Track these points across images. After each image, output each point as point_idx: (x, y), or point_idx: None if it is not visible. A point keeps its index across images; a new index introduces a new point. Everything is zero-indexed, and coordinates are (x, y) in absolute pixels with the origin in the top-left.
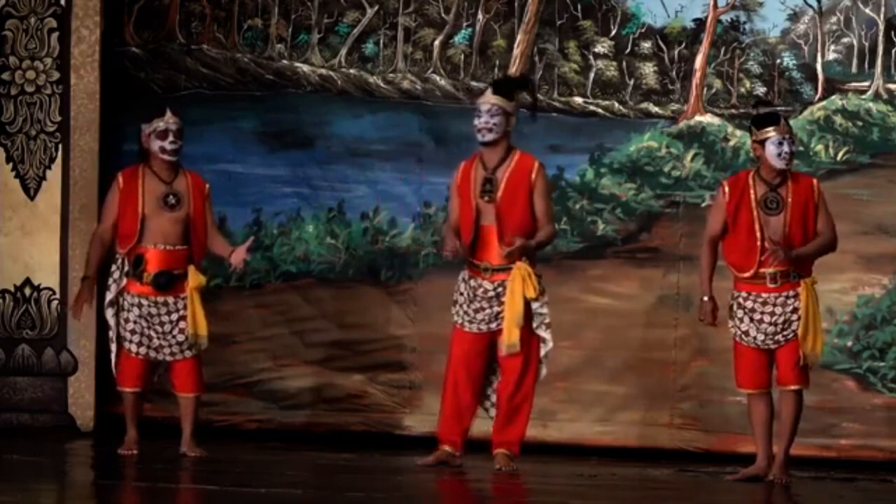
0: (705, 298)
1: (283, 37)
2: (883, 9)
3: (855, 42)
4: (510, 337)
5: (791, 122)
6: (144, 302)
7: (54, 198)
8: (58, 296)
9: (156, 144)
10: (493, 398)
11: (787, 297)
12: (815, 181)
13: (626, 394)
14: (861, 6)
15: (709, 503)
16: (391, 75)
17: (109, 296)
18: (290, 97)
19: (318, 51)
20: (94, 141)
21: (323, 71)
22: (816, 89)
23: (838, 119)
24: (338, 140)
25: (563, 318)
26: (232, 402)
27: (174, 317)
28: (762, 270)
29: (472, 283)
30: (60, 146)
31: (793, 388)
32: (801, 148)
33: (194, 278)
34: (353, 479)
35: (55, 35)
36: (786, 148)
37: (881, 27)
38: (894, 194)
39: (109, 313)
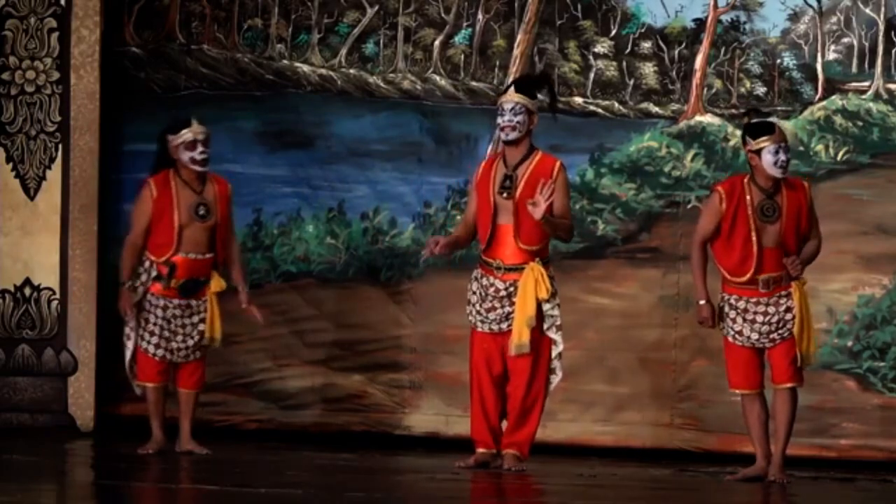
0: (702, 302)
1: (283, 37)
2: (883, 9)
3: (855, 42)
4: (520, 337)
5: (791, 122)
6: (169, 304)
7: (54, 198)
8: (58, 296)
9: (185, 155)
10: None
11: (780, 297)
12: (806, 184)
13: (626, 394)
14: (861, 6)
15: (709, 503)
16: (391, 75)
17: (135, 298)
18: (290, 97)
19: (318, 51)
20: (94, 141)
21: (323, 71)
22: (816, 89)
23: (838, 119)
24: (338, 140)
25: (564, 319)
26: (232, 402)
27: (195, 319)
28: (757, 277)
29: (484, 281)
30: (60, 146)
31: (787, 386)
32: (801, 148)
33: (216, 283)
34: (353, 479)
35: (55, 35)
36: (782, 157)
37: (881, 27)
38: (894, 194)
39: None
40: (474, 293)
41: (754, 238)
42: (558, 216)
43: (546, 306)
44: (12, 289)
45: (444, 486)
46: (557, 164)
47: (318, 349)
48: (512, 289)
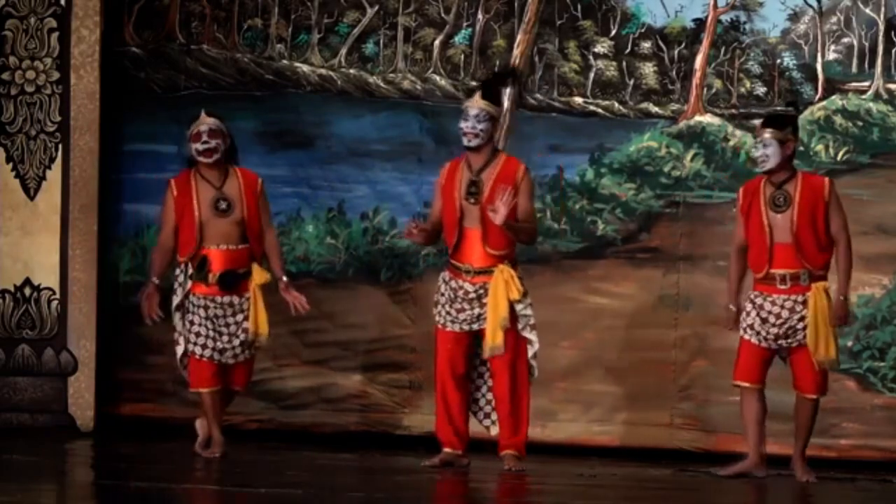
0: (731, 307)
1: (283, 37)
2: (883, 9)
3: (855, 42)
4: (494, 339)
5: None
6: (211, 304)
7: (54, 198)
8: (58, 296)
9: (192, 148)
10: (485, 407)
11: (796, 303)
12: (826, 181)
13: (626, 394)
14: (861, 6)
15: (709, 503)
16: (391, 75)
17: (176, 300)
18: (290, 97)
19: (318, 51)
20: (94, 141)
21: (323, 71)
22: (816, 89)
23: (838, 119)
24: (338, 140)
25: (563, 318)
26: (232, 402)
27: (239, 317)
28: (772, 271)
29: (453, 283)
30: (60, 146)
31: (808, 396)
32: (801, 148)
33: (259, 275)
34: (353, 479)
35: (55, 35)
36: (758, 152)
37: (881, 27)
38: (894, 194)
39: (177, 317)
40: (442, 294)
41: (766, 229)
42: (522, 220)
43: (518, 307)
44: (12, 289)
45: (444, 486)
46: (521, 167)
47: (318, 349)
48: (482, 291)
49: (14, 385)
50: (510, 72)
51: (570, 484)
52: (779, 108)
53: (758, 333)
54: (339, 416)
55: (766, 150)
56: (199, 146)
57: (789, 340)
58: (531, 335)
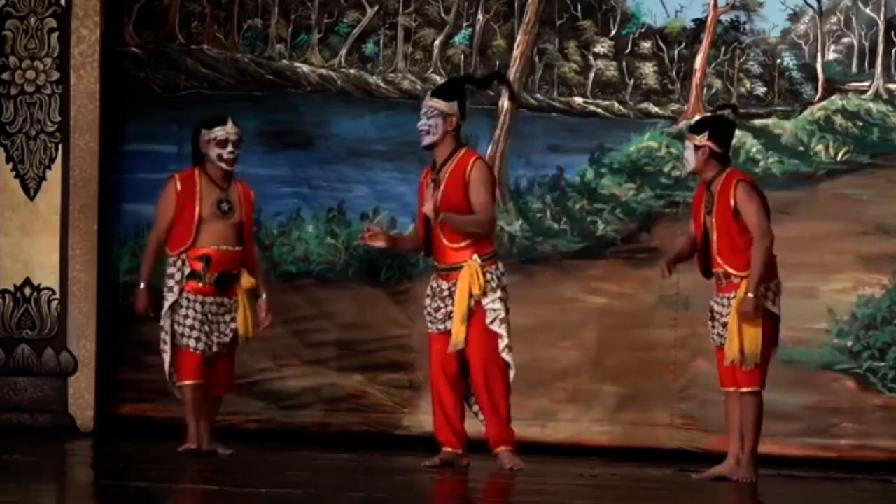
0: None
1: (283, 37)
2: (883, 9)
3: (855, 42)
4: (456, 334)
5: (791, 122)
6: (207, 300)
7: (54, 198)
8: (58, 296)
9: (214, 152)
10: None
11: (730, 299)
12: (735, 178)
13: (626, 394)
14: (861, 6)
15: (708, 503)
16: (391, 75)
17: (172, 297)
18: (290, 97)
19: (318, 51)
20: (94, 141)
21: (323, 71)
22: (816, 89)
23: (838, 119)
24: (338, 140)
25: (563, 318)
26: (232, 402)
27: (227, 318)
28: (713, 270)
29: (434, 283)
30: (60, 146)
31: (742, 389)
32: (801, 148)
33: (246, 280)
34: (353, 479)
35: (55, 35)
36: (684, 155)
37: (881, 27)
38: (894, 194)
39: (166, 317)
40: (427, 296)
41: (701, 232)
42: (477, 211)
43: (485, 301)
44: (12, 289)
45: (444, 485)
46: (472, 158)
47: (318, 349)
48: (454, 288)
49: (14, 385)
50: (495, 75)
51: (570, 484)
52: (727, 111)
53: (711, 336)
54: (339, 416)
55: (685, 154)
56: (226, 154)
57: (723, 336)
58: (500, 329)
